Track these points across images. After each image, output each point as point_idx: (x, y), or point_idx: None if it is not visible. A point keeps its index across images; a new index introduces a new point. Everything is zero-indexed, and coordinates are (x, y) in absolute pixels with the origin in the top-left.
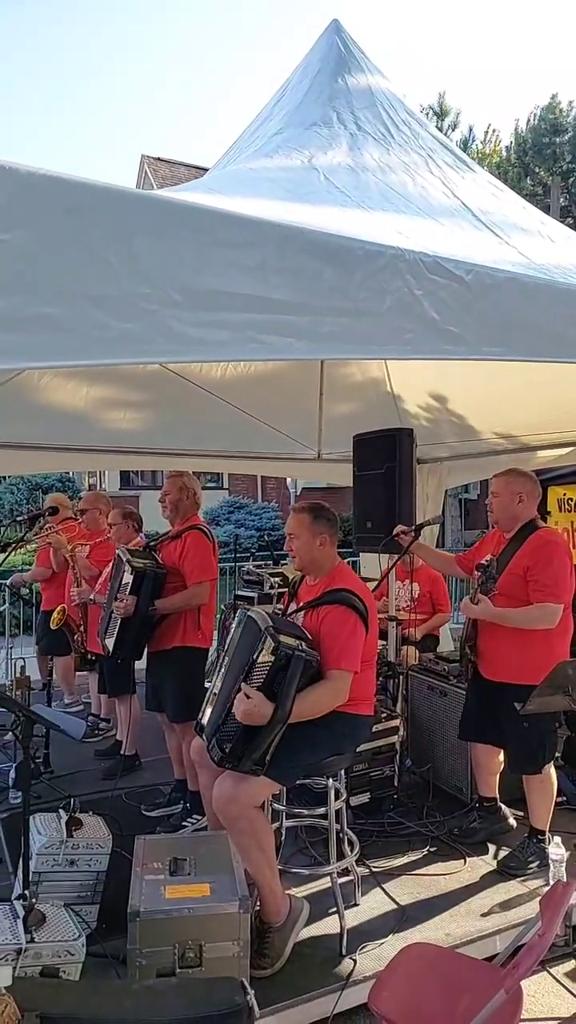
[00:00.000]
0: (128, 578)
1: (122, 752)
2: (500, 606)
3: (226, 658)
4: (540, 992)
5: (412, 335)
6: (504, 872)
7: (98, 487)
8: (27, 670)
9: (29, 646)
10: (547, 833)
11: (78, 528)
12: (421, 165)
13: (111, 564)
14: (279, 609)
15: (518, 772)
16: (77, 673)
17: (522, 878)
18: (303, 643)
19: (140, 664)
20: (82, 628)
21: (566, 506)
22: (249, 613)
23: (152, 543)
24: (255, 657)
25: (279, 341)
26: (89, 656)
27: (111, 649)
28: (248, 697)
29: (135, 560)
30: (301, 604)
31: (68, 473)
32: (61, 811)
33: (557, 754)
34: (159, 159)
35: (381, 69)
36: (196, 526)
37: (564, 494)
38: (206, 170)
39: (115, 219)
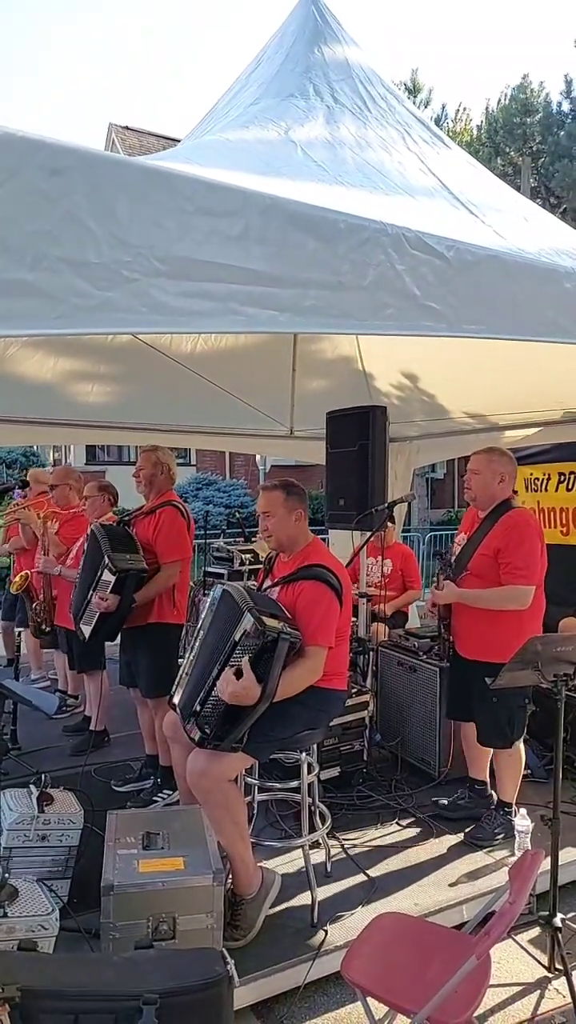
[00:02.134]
0: (109, 577)
1: (91, 728)
2: (472, 587)
3: (201, 633)
4: (506, 959)
5: (394, 310)
6: (470, 843)
7: (63, 462)
8: None
9: None
10: (514, 805)
11: (48, 504)
12: (398, 141)
13: (83, 539)
14: (254, 584)
15: (488, 747)
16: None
17: (488, 849)
18: (286, 624)
19: (110, 640)
20: (42, 598)
21: (532, 486)
22: (226, 588)
23: (126, 518)
24: (236, 636)
25: (262, 313)
26: (44, 628)
27: (87, 636)
28: (237, 678)
29: (117, 558)
30: (276, 579)
31: (32, 447)
32: (32, 787)
33: None
34: (127, 128)
35: (357, 40)
36: (171, 502)
37: (531, 474)
38: (175, 140)
39: (99, 184)
